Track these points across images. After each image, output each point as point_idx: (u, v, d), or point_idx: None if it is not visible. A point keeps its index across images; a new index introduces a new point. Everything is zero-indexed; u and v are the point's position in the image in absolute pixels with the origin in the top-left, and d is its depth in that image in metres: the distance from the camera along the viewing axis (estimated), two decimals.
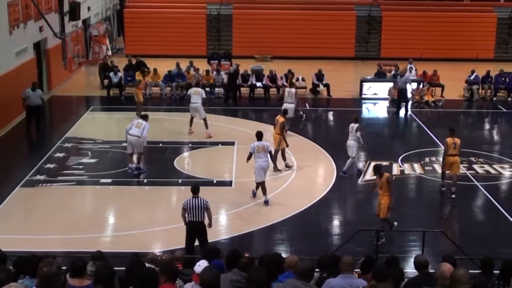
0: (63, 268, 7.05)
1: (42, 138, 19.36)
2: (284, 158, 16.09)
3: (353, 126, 15.70)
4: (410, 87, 22.36)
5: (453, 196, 14.61)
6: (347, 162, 15.69)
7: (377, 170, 12.64)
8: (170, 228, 12.35)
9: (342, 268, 6.49)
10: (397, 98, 22.15)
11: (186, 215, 10.98)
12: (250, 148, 14.17)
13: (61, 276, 4.38)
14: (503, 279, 6.73)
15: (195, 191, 11.09)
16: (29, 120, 19.10)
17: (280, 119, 16.13)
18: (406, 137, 20.12)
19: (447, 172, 14.87)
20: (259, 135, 14.30)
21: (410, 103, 22.42)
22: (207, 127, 18.58)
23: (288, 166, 16.08)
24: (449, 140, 14.70)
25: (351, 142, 15.69)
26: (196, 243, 11.10)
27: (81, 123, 20.41)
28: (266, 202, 13.95)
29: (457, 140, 14.72)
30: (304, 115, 20.99)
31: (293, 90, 19.27)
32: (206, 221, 11.13)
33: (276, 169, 15.64)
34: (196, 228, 10.99)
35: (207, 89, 23.86)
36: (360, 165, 16.27)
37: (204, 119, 18.53)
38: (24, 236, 12.33)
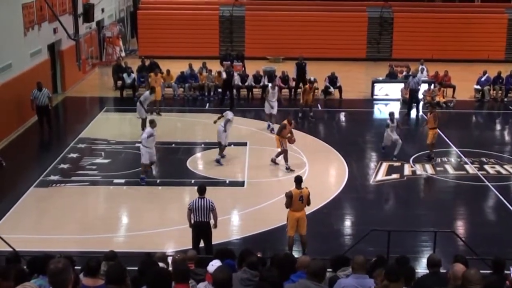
0: (77, 268, 7.14)
1: (56, 138, 19.43)
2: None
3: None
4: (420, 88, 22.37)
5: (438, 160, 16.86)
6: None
7: (297, 181, 11.60)
8: (183, 228, 12.21)
9: (354, 268, 6.47)
10: (409, 99, 22.10)
11: (192, 215, 11.02)
12: (230, 116, 16.40)
13: (69, 272, 4.36)
14: None
15: (201, 192, 11.14)
16: (41, 120, 19.20)
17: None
18: (418, 138, 20.04)
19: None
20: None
21: (421, 104, 22.38)
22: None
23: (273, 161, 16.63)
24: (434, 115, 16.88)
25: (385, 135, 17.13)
26: (201, 244, 11.14)
27: (95, 123, 20.47)
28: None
29: (438, 113, 17.21)
30: (305, 114, 21.18)
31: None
32: (212, 222, 11.16)
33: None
34: (201, 229, 11.03)
35: (219, 90, 23.99)
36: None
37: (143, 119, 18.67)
38: (37, 236, 12.38)
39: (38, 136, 19.31)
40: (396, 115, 17.67)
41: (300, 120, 20.91)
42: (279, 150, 16.16)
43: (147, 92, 19.13)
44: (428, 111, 17.41)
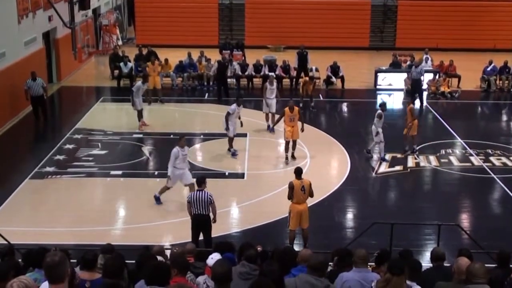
0: (72, 261, 7.06)
1: (51, 129, 19.31)
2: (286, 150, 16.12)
3: (377, 112, 16.20)
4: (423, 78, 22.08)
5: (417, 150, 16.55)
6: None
7: (297, 172, 11.33)
8: (181, 221, 12.17)
9: (356, 262, 6.38)
10: (411, 89, 21.84)
11: (191, 208, 10.91)
12: (231, 110, 16.00)
13: (65, 266, 4.35)
14: None
15: (200, 184, 11.00)
16: (36, 110, 18.94)
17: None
18: (422, 129, 19.76)
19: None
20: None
21: (426, 94, 22.10)
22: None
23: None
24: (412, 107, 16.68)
25: (372, 127, 16.11)
26: (201, 237, 11.01)
27: (91, 114, 20.27)
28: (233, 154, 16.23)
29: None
30: (306, 104, 20.82)
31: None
32: (212, 215, 11.03)
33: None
34: (200, 221, 10.90)
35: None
36: (375, 156, 16.32)
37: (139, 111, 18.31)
38: (33, 228, 12.25)
39: (33, 127, 19.15)
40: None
41: (301, 111, 20.58)
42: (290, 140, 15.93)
43: (139, 82, 18.68)
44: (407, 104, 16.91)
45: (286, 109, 15.91)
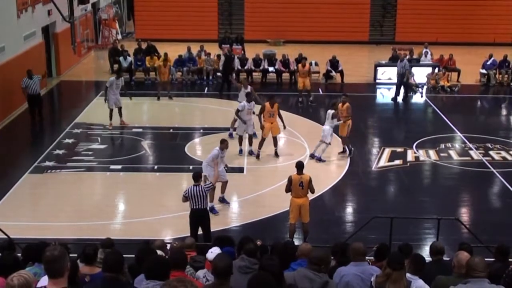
0: (72, 255, 7.01)
1: (51, 124, 19.21)
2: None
3: (329, 112, 15.51)
4: (407, 74, 21.80)
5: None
6: (318, 144, 15.57)
7: (298, 167, 11.31)
8: (180, 215, 12.13)
9: (353, 256, 6.39)
10: (398, 83, 21.58)
11: (189, 202, 10.93)
12: (240, 106, 15.68)
13: (65, 260, 4.36)
14: None
15: (196, 179, 11.00)
16: (32, 110, 18.41)
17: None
18: (421, 123, 19.78)
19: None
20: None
21: (425, 88, 21.96)
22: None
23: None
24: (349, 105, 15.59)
25: (325, 127, 15.56)
26: (200, 231, 11.02)
27: (91, 108, 20.20)
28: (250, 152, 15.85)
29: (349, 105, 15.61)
30: (310, 98, 20.80)
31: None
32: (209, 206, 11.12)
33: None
34: (199, 216, 10.92)
35: (218, 73, 23.57)
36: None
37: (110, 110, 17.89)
38: (33, 223, 12.23)
39: (32, 122, 18.95)
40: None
41: (300, 105, 20.64)
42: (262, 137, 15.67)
43: (113, 77, 18.18)
44: (341, 101, 15.71)
45: (267, 104, 15.64)
